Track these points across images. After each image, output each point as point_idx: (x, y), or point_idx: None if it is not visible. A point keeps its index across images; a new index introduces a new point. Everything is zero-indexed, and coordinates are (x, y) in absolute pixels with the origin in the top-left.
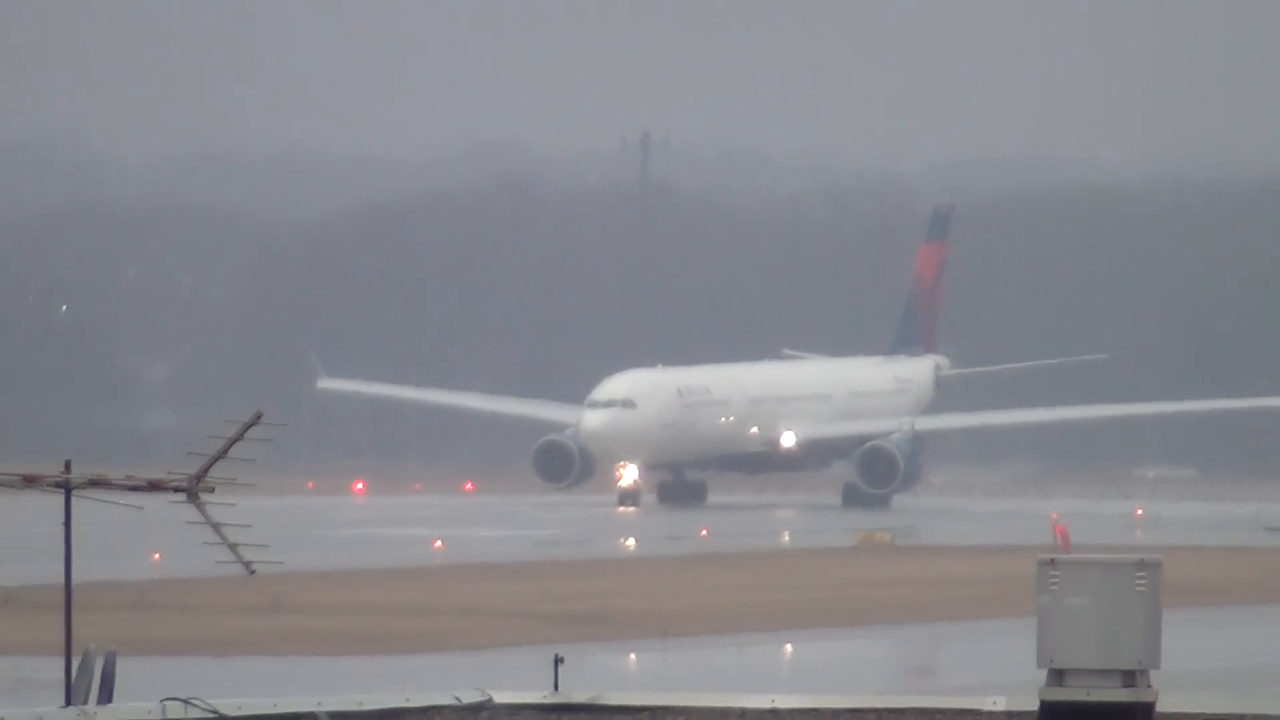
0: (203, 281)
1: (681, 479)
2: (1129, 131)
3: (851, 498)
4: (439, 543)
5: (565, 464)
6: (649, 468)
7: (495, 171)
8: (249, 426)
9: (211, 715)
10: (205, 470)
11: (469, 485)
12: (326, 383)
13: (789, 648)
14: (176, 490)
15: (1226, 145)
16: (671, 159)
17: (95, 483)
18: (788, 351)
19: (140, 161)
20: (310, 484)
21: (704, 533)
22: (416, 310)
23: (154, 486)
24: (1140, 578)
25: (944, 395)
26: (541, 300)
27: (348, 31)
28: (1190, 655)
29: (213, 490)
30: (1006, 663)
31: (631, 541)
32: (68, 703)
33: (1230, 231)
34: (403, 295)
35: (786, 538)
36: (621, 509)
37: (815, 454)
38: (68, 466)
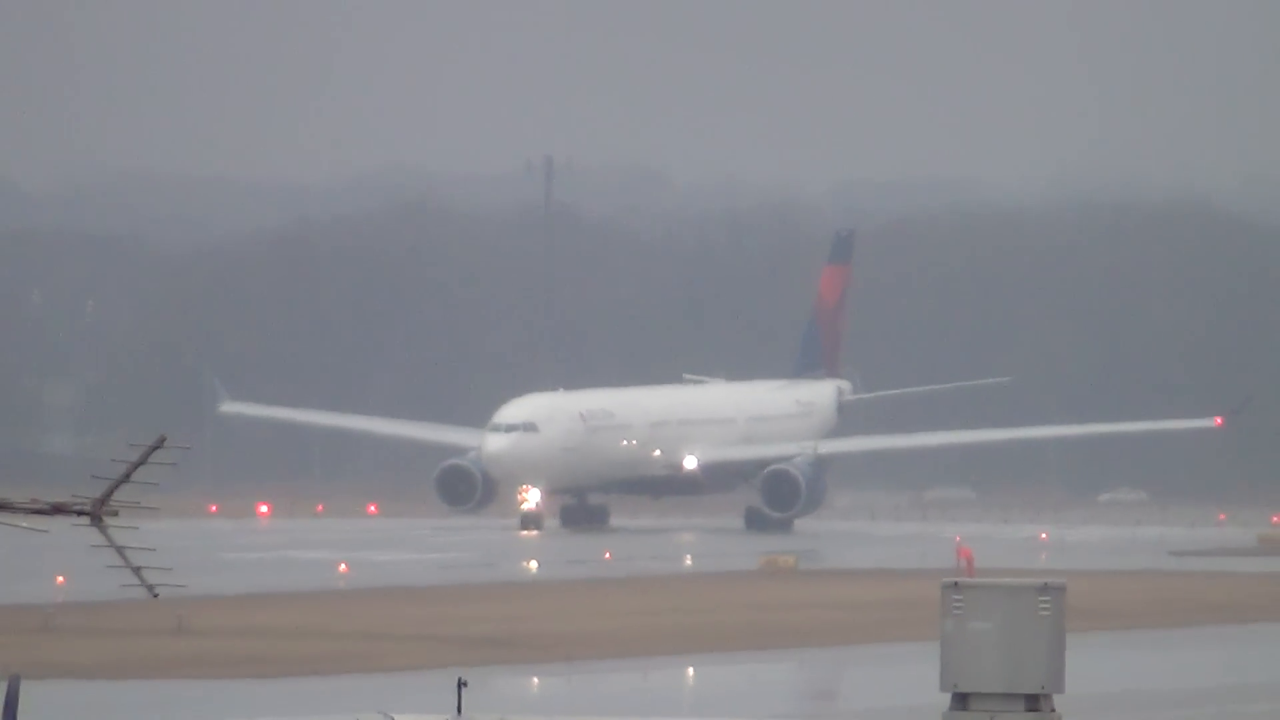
0: (106, 305)
1: (584, 503)
2: (1031, 154)
3: (754, 521)
4: (343, 566)
5: (468, 488)
6: (551, 491)
7: (399, 195)
8: (153, 450)
9: None
10: (109, 493)
11: (372, 508)
12: (229, 406)
13: (693, 671)
14: (80, 514)
15: (1130, 166)
16: (575, 182)
17: None
18: (688, 376)
19: (39, 184)
20: (214, 507)
21: (608, 556)
22: (321, 334)
23: (57, 510)
24: (1044, 602)
25: (847, 419)
26: (445, 324)
27: (249, 57)
28: (1093, 679)
29: (116, 514)
30: (910, 686)
31: (535, 565)
32: None
33: (1134, 253)
34: (307, 319)
35: (690, 561)
36: (524, 533)
37: (718, 477)
38: None
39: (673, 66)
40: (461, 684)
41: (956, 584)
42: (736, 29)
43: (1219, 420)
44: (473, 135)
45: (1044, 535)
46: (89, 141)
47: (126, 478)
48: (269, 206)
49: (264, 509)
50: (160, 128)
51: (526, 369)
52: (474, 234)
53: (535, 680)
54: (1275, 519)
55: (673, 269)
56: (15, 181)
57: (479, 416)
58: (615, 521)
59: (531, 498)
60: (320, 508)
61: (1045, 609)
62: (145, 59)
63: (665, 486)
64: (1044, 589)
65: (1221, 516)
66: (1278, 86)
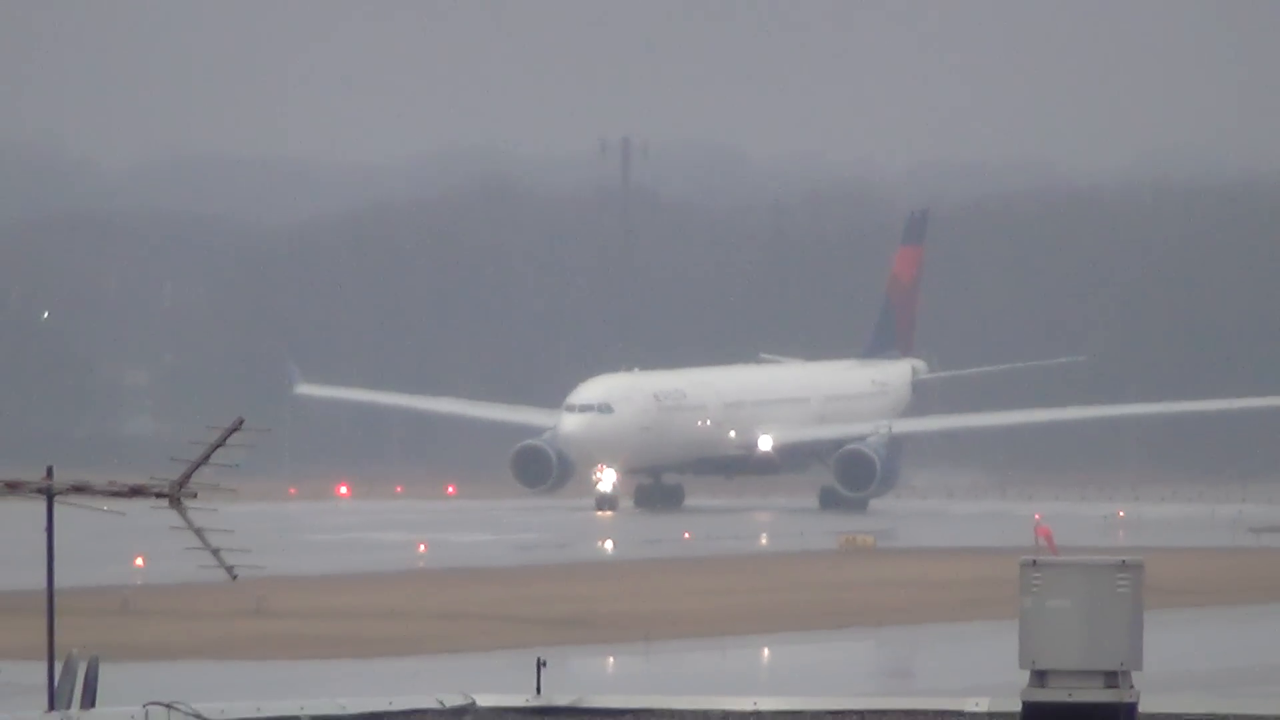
0: (183, 288)
1: (659, 483)
2: (1107, 134)
3: (829, 501)
4: (422, 547)
5: (543, 468)
6: (627, 472)
7: (475, 176)
8: (231, 432)
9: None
10: (187, 476)
11: (451, 489)
12: (304, 388)
13: (772, 650)
14: (159, 496)
15: (1206, 147)
16: (651, 163)
17: (77, 489)
18: (765, 355)
19: (118, 167)
20: (293, 489)
21: (687, 536)
22: (398, 315)
23: (136, 492)
24: (1122, 579)
25: (921, 398)
26: (522, 305)
27: (327, 37)
28: (1173, 656)
29: (195, 496)
30: (990, 664)
31: (612, 545)
32: (51, 708)
33: (1210, 233)
34: (384, 300)
35: (768, 541)
36: (600, 513)
37: (792, 457)
38: (49, 473)
39: (750, 45)
40: (541, 664)
41: (1035, 562)
42: (817, 6)
43: None
44: (550, 115)
45: (1121, 513)
46: (167, 123)
47: (205, 460)
48: (346, 188)
49: (343, 490)
50: (238, 109)
51: (604, 349)
52: (550, 215)
53: (614, 660)
54: None
55: (750, 249)
56: (95, 162)
57: (557, 397)
58: (690, 502)
59: (607, 478)
60: (399, 489)
61: (1124, 586)
62: (223, 40)
63: (740, 466)
64: (1122, 566)
65: None
66: None
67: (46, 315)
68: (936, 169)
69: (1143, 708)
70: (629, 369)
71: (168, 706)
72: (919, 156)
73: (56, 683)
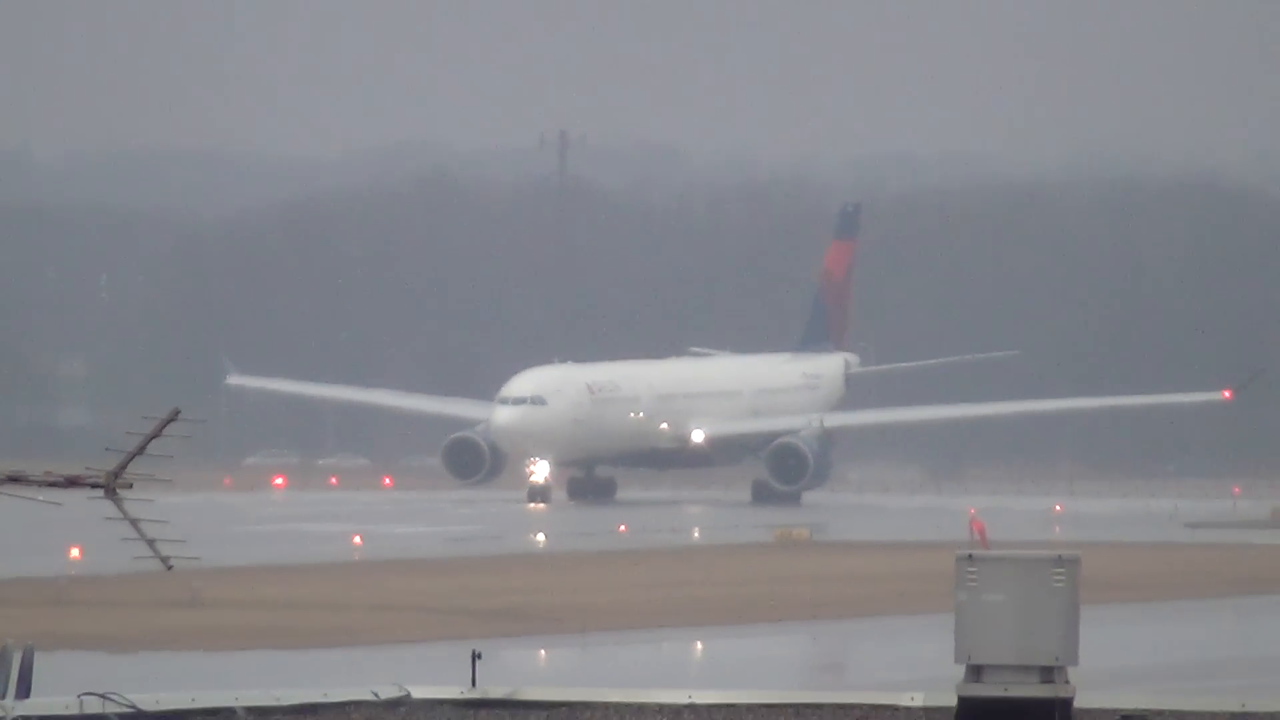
0: (120, 279)
1: (591, 475)
2: (1043, 130)
3: (761, 494)
4: (357, 538)
5: (475, 460)
6: (560, 464)
7: (413, 169)
8: (166, 423)
9: (129, 710)
10: (123, 466)
11: (387, 481)
12: (236, 379)
13: (707, 643)
14: (94, 486)
15: (1140, 142)
16: (589, 157)
17: (13, 479)
18: (695, 349)
19: (53, 159)
20: (228, 480)
21: (622, 529)
22: (335, 307)
23: (72, 483)
24: (1058, 574)
25: (855, 392)
26: (459, 297)
27: (263, 29)
28: (1107, 651)
29: (130, 486)
30: (925, 658)
31: (546, 537)
32: None
33: (1147, 228)
34: (321, 293)
35: (702, 534)
36: (533, 505)
37: (725, 450)
38: None
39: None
40: (476, 656)
41: (971, 556)
42: (752, 5)
43: (1228, 393)
44: (487, 109)
45: (1058, 508)
46: (102, 115)
47: (140, 450)
48: (283, 180)
49: (278, 481)
50: (173, 101)
51: (540, 342)
52: (488, 208)
53: (549, 653)
54: None
55: (686, 243)
56: (30, 154)
57: (493, 390)
58: (622, 494)
59: (540, 470)
60: (334, 480)
61: (1059, 581)
62: (158, 32)
63: (672, 459)
64: (1058, 561)
65: (1236, 490)
66: None
67: None
68: (873, 163)
69: (1078, 703)
70: (561, 361)
71: (102, 697)
72: (855, 150)
73: None
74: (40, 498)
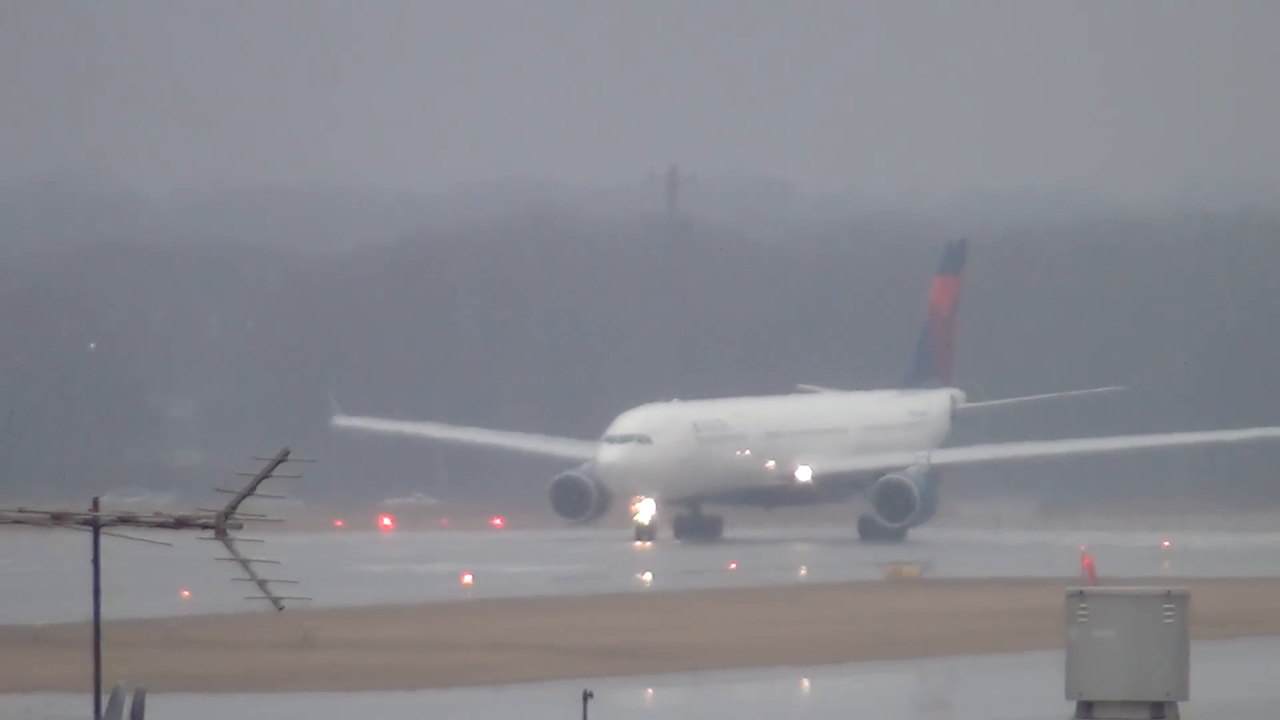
0: (230, 317)
1: (697, 513)
2: (1152, 164)
3: (868, 531)
4: (468, 578)
5: (581, 499)
6: (665, 502)
7: (522, 206)
8: (277, 463)
9: None
10: (233, 506)
11: (498, 521)
12: (343, 420)
13: (819, 682)
14: (205, 527)
15: (1250, 177)
16: (698, 193)
17: (124, 520)
18: (803, 385)
19: (165, 197)
20: (339, 521)
21: (733, 566)
22: (444, 346)
23: (182, 523)
24: (1168, 609)
25: (963, 428)
26: (568, 335)
27: (376, 67)
28: (1218, 686)
29: (240, 527)
30: (1036, 695)
31: (654, 576)
32: None
33: (1254, 262)
34: (429, 331)
35: (812, 571)
36: (639, 544)
37: (831, 487)
38: (95, 504)
39: (797, 76)
40: (587, 695)
41: (1081, 593)
42: (862, 38)
43: None
44: (598, 146)
45: (1166, 543)
46: (213, 153)
47: (251, 490)
48: (393, 218)
49: (387, 522)
50: (283, 138)
51: (648, 380)
52: (597, 245)
53: (660, 691)
54: None
55: (795, 279)
56: (142, 193)
57: (602, 429)
58: (728, 533)
59: (645, 509)
60: (444, 521)
61: (1170, 617)
62: (268, 69)
63: (779, 497)
64: (1168, 597)
65: None
66: None
67: (94, 346)
68: (981, 198)
69: None
70: (668, 400)
71: None
72: (963, 185)
73: (103, 714)
74: (151, 539)
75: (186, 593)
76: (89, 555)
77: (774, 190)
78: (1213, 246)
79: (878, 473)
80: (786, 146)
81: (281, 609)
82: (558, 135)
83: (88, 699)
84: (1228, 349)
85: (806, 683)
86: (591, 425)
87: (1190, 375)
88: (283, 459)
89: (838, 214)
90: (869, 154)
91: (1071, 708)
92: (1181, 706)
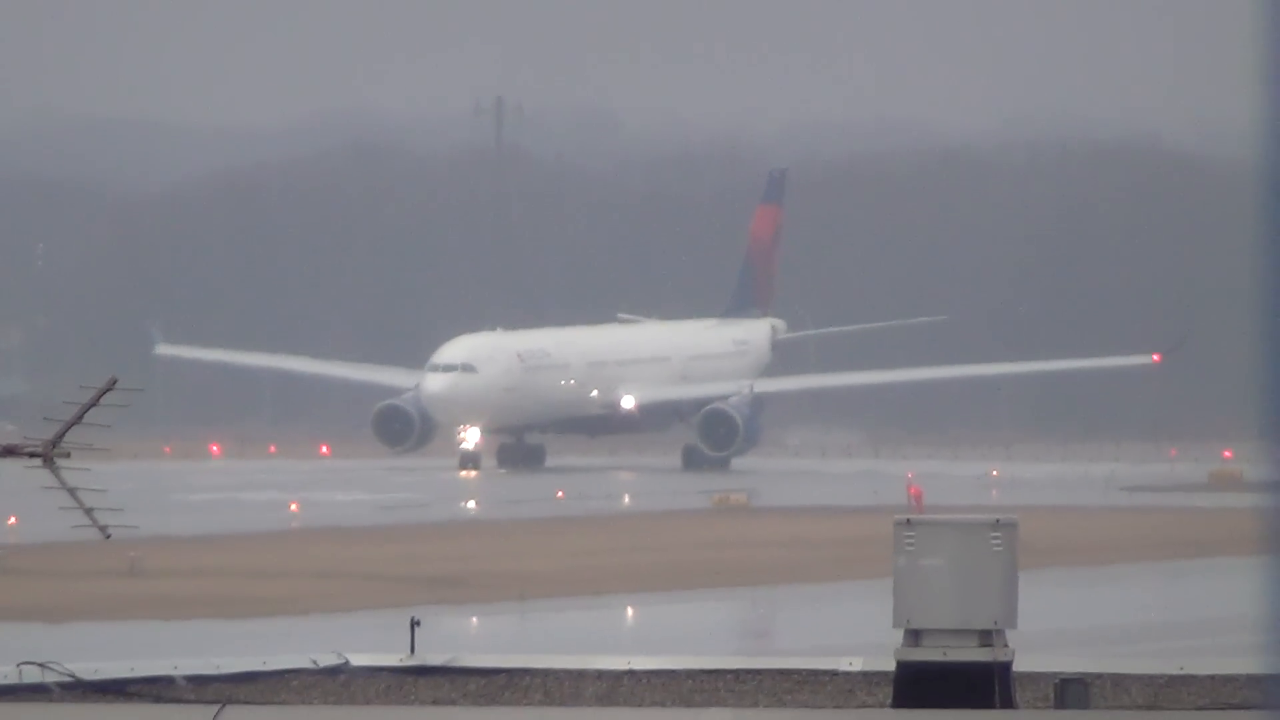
0: (55, 249)
1: (521, 442)
2: (979, 94)
3: (692, 460)
4: (295, 506)
5: (404, 428)
6: (490, 431)
7: (348, 138)
8: (104, 392)
9: (68, 679)
10: (61, 435)
11: (325, 449)
12: (164, 348)
13: (646, 610)
14: (32, 455)
15: (1078, 106)
16: (524, 125)
17: None
18: (622, 315)
19: None
20: (167, 448)
21: (560, 495)
22: (271, 277)
23: (9, 452)
24: (996, 538)
25: (790, 357)
26: (394, 265)
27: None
28: (1045, 615)
29: (69, 455)
30: (865, 623)
31: (481, 504)
32: None
33: (1077, 192)
34: (256, 262)
35: (640, 500)
36: (464, 473)
37: (655, 417)
38: None
39: (621, 8)
40: (415, 624)
41: (909, 521)
42: None
43: (1157, 357)
44: (421, 78)
45: (995, 472)
46: (35, 85)
47: (78, 419)
48: (218, 150)
49: (214, 450)
50: (107, 72)
51: (473, 310)
52: (423, 176)
53: (488, 620)
54: (1226, 454)
55: (620, 209)
56: None
57: (428, 358)
58: (551, 461)
59: (471, 437)
60: (272, 448)
61: (998, 545)
62: (92, 2)
63: (603, 426)
64: (996, 525)
65: (1173, 452)
66: (1226, 26)
67: None
68: (807, 129)
69: (1016, 667)
70: (492, 329)
71: (41, 666)
72: (790, 116)
73: None
74: None
75: (13, 520)
76: None
77: (600, 121)
78: (1036, 177)
79: (701, 402)
80: (612, 78)
81: (108, 537)
82: (383, 67)
83: None
84: (1052, 279)
85: (634, 610)
86: (416, 354)
87: (1013, 305)
88: (110, 388)
89: (663, 146)
90: (695, 85)
91: (899, 635)
92: (1009, 634)
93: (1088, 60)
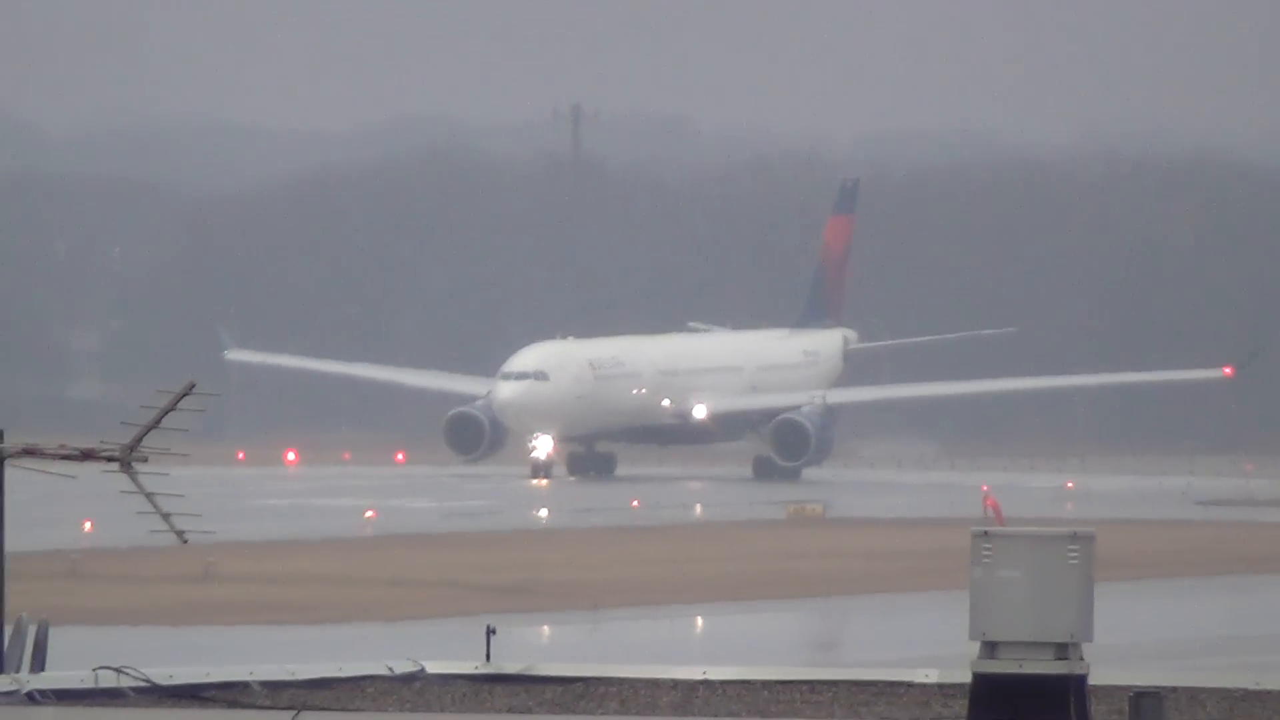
0: (131, 252)
1: (591, 451)
2: (1057, 107)
3: (763, 470)
4: (371, 512)
5: (475, 435)
6: (561, 439)
7: (423, 144)
8: (181, 396)
9: (144, 684)
10: (138, 440)
11: (400, 456)
12: (234, 354)
13: (722, 620)
14: (109, 460)
15: (1154, 119)
16: (601, 131)
17: (28, 451)
18: (693, 324)
19: (66, 131)
20: (241, 454)
21: (635, 504)
22: (344, 282)
23: (87, 456)
24: (1072, 550)
25: (861, 369)
26: (468, 272)
27: (277, 3)
28: (1122, 628)
29: (145, 460)
30: (941, 635)
31: (554, 513)
32: (0, 671)
33: (1158, 206)
34: (330, 267)
35: (715, 510)
36: (536, 481)
37: (726, 426)
38: (0, 435)
39: (701, 14)
40: (490, 632)
41: (986, 533)
42: None
43: (1229, 370)
44: (500, 83)
45: (1070, 484)
46: (114, 87)
47: (155, 424)
48: (295, 153)
49: (290, 456)
50: (187, 73)
51: (546, 317)
52: (498, 182)
53: (563, 628)
54: None
55: (695, 217)
56: (41, 126)
57: (500, 365)
58: (621, 470)
59: (542, 446)
60: (347, 455)
61: (1074, 558)
62: (173, 7)
63: (673, 435)
64: (1073, 538)
65: (1249, 467)
66: None
67: None
68: (884, 139)
69: (1092, 680)
70: (564, 337)
71: (117, 670)
72: (867, 126)
73: (6, 646)
74: (55, 471)
75: (89, 526)
76: None
77: (677, 129)
78: (1113, 189)
79: (773, 412)
80: (690, 85)
81: (185, 542)
82: (460, 72)
83: None
84: (1127, 291)
85: (710, 620)
86: (488, 362)
87: (1086, 317)
88: (187, 392)
89: (739, 153)
90: (772, 94)
91: (975, 648)
92: (1085, 647)
93: (1163, 73)
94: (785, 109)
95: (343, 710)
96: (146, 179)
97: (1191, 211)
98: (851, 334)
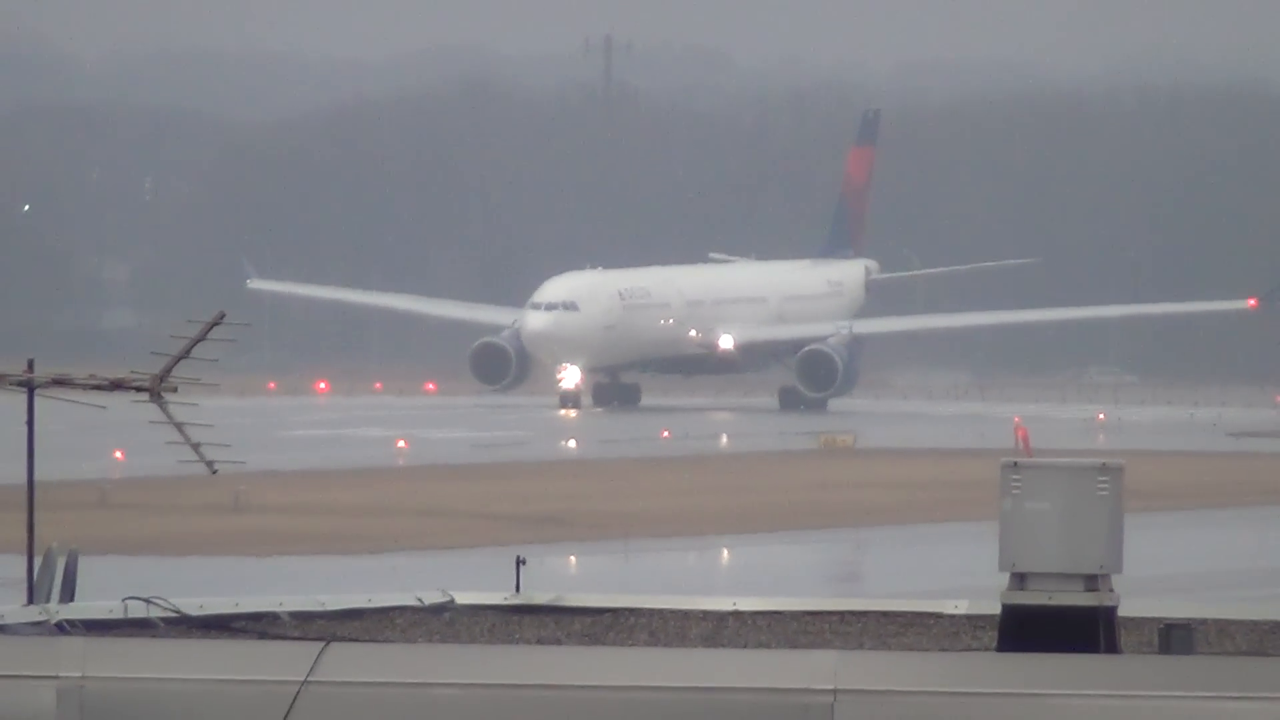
0: (164, 182)
1: (616, 381)
2: (1090, 38)
3: (789, 401)
4: (403, 443)
5: (501, 366)
6: (589, 370)
7: (457, 74)
8: (212, 326)
9: (173, 614)
10: (168, 370)
11: (431, 386)
12: (256, 283)
13: (752, 550)
14: (139, 390)
15: (1187, 51)
16: (634, 63)
17: (58, 381)
18: (715, 255)
19: (100, 61)
20: (272, 384)
21: (666, 434)
22: (377, 211)
23: (117, 386)
24: (1103, 482)
25: (895, 297)
26: (500, 203)
27: None
28: (1152, 560)
29: (175, 390)
30: (972, 565)
31: (584, 443)
32: (30, 601)
33: (1186, 137)
34: (363, 197)
35: (742, 441)
36: (564, 411)
37: (753, 357)
38: (30, 365)
39: None
40: (520, 562)
41: (1015, 464)
42: None
43: (1253, 302)
44: (533, 14)
45: (1101, 416)
46: (149, 18)
47: (186, 354)
48: (328, 85)
49: (322, 386)
50: (220, 5)
51: (577, 247)
52: (531, 113)
53: (593, 559)
54: None
55: (729, 148)
56: (76, 57)
57: (528, 295)
58: (646, 400)
59: (570, 376)
60: (379, 385)
61: (1104, 489)
62: None
63: (700, 366)
64: (1103, 469)
65: (1278, 398)
66: None
67: (27, 208)
68: (917, 70)
69: (1121, 611)
70: (592, 267)
71: (146, 601)
72: (900, 57)
73: (35, 576)
74: (85, 401)
75: (120, 455)
76: (23, 416)
77: (711, 60)
78: (1146, 121)
79: (799, 343)
80: (724, 16)
81: (215, 472)
82: (493, 3)
83: (20, 560)
84: (1155, 222)
85: (744, 550)
86: (518, 293)
87: (1115, 248)
88: (218, 322)
89: (773, 85)
90: (807, 25)
91: (1005, 579)
92: (1115, 579)
93: (1196, 4)
94: (820, 40)
95: (372, 641)
96: (179, 109)
97: (1223, 142)
98: (873, 264)
